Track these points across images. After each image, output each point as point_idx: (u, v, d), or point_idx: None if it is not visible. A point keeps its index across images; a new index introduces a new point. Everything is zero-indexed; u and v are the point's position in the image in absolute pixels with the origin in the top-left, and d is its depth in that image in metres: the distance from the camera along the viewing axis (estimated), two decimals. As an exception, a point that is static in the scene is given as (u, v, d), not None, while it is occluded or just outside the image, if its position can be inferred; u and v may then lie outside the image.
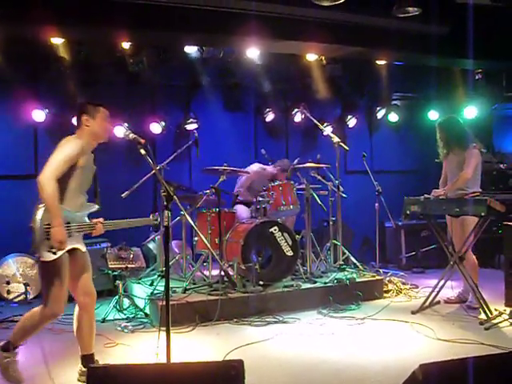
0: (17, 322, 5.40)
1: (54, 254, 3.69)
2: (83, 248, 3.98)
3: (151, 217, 4.22)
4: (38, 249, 3.67)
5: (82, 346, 4.04)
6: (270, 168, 7.35)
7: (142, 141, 3.71)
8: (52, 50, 6.68)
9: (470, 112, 8.66)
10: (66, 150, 3.77)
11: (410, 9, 5.76)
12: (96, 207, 4.08)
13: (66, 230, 3.75)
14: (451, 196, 5.85)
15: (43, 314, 3.84)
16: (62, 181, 3.74)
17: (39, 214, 3.66)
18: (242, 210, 7.02)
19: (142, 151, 3.66)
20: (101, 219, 4.08)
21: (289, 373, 4.20)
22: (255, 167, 7.33)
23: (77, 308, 4.03)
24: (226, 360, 3.78)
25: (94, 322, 4.08)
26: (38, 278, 6.62)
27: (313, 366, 4.33)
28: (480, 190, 5.92)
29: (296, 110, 8.36)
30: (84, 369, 3.97)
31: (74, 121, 4.12)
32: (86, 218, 4.01)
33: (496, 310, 5.53)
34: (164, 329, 3.35)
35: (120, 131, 6.83)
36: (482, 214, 5.18)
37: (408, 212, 5.82)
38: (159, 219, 4.31)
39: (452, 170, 6.04)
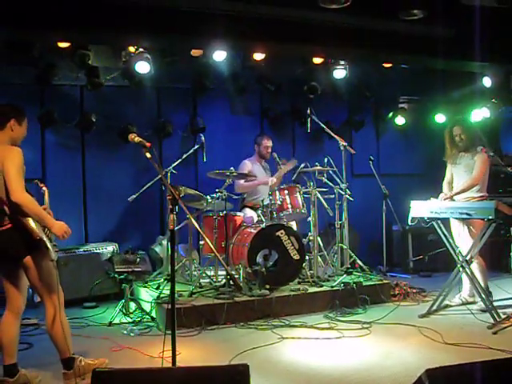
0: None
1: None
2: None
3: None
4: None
5: (64, 348, 3.97)
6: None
7: (148, 144, 3.69)
8: (58, 54, 6.71)
9: (477, 115, 8.62)
10: (17, 161, 3.78)
11: (416, 11, 5.76)
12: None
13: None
14: (458, 200, 5.83)
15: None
16: None
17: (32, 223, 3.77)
18: (248, 214, 7.02)
19: (148, 155, 3.64)
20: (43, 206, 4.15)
21: (294, 377, 4.18)
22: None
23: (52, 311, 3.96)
24: (231, 364, 3.78)
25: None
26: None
27: (319, 370, 4.31)
28: (487, 194, 5.91)
29: (303, 113, 8.33)
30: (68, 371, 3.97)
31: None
32: None
33: (504, 314, 5.49)
34: (170, 332, 3.35)
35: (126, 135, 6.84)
36: (490, 217, 5.16)
37: (415, 215, 5.80)
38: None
39: (459, 172, 6.01)
